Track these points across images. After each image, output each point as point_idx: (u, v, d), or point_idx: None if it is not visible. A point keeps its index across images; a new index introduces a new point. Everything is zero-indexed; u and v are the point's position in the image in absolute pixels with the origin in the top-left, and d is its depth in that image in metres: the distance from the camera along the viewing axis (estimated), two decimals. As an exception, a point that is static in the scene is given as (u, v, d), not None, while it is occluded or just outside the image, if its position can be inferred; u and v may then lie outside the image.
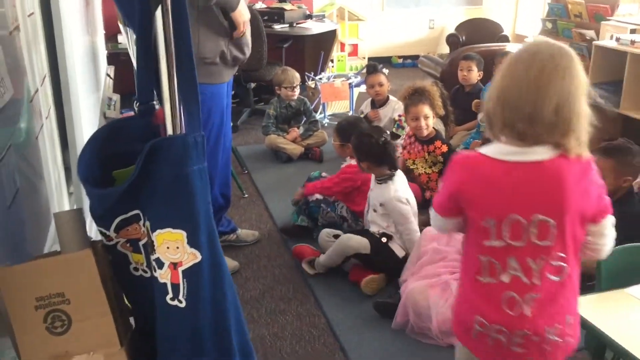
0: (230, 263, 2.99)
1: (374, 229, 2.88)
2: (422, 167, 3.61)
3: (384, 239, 2.81)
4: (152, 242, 1.18)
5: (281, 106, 4.65)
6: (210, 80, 2.63)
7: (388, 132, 3.19)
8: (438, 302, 2.34)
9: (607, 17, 5.51)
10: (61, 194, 1.97)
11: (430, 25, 7.80)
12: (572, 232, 1.46)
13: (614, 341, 1.56)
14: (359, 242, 2.79)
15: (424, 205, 3.53)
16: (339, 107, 5.54)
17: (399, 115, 4.32)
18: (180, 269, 1.16)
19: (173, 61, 1.11)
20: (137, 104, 1.28)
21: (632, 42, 3.86)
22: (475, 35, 6.55)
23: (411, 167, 3.66)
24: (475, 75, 4.45)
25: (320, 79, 5.38)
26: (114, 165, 1.29)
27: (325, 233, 3.04)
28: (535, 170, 1.45)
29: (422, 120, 3.54)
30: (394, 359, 2.35)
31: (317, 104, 5.38)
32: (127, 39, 1.67)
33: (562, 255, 1.47)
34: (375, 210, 2.88)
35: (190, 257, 1.16)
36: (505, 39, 6.53)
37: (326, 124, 5.17)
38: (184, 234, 1.16)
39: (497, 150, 1.47)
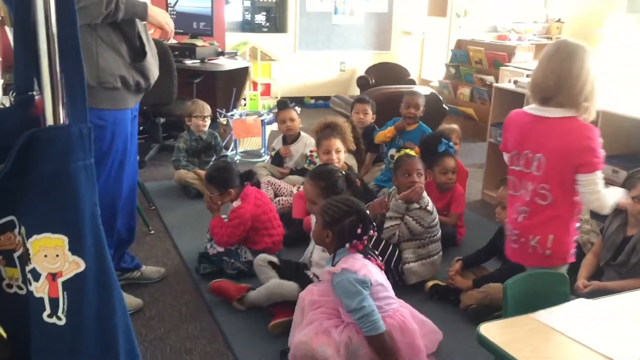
0: (133, 301, 2.82)
1: (314, 270, 2.73)
2: (334, 201, 3.60)
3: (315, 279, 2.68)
4: (28, 250, 1.03)
5: (191, 139, 4.54)
6: (113, 106, 2.52)
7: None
8: (326, 351, 2.21)
9: (505, 64, 5.86)
10: None
11: (342, 67, 8.00)
12: (559, 172, 2.09)
13: (522, 365, 1.56)
14: (287, 290, 2.66)
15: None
16: (251, 144, 5.50)
17: (311, 151, 4.34)
18: (59, 280, 1.02)
19: (54, 38, 0.98)
20: (14, 94, 1.15)
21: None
22: (384, 78, 6.78)
23: (323, 201, 3.65)
24: (370, 117, 4.56)
25: (232, 115, 5.34)
26: None
27: (261, 259, 2.90)
28: (547, 123, 2.10)
29: (334, 153, 3.55)
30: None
31: (228, 141, 5.31)
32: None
33: (546, 186, 2.12)
34: (324, 250, 2.67)
35: (72, 266, 1.02)
36: (412, 82, 6.80)
37: (238, 161, 5.10)
38: (65, 239, 1.02)
39: (530, 107, 2.19)
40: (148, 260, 3.30)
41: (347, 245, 2.30)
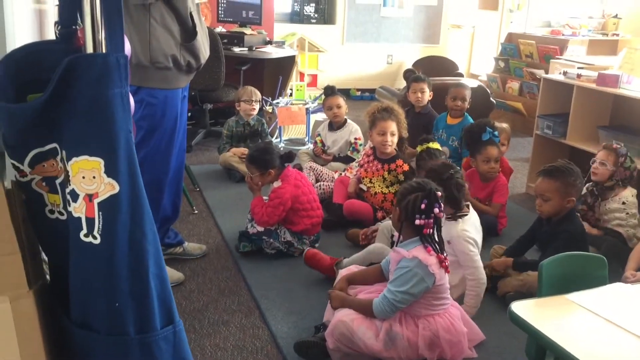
0: (175, 274, 2.91)
1: None
2: (379, 186, 3.60)
3: None
4: (68, 172, 1.08)
5: (238, 124, 4.64)
6: (164, 86, 2.58)
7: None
8: (365, 333, 2.21)
9: (556, 57, 5.73)
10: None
11: (389, 60, 7.97)
12: None
13: (554, 343, 1.54)
14: (386, 251, 2.67)
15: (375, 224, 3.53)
16: (295, 132, 5.56)
17: (355, 139, 4.36)
18: (95, 201, 1.06)
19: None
20: (59, 27, 1.21)
21: (579, 76, 4.00)
22: (432, 71, 6.70)
23: (367, 185, 3.66)
24: (427, 96, 4.55)
25: (278, 103, 5.41)
26: (31, 93, 1.18)
27: (387, 228, 2.99)
28: None
29: (389, 136, 3.54)
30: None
31: (273, 129, 5.38)
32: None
33: None
34: None
35: (108, 187, 1.06)
36: (460, 76, 6.72)
37: (282, 149, 5.16)
38: (101, 162, 1.07)
39: None
40: (191, 238, 3.38)
41: (417, 221, 2.21)
